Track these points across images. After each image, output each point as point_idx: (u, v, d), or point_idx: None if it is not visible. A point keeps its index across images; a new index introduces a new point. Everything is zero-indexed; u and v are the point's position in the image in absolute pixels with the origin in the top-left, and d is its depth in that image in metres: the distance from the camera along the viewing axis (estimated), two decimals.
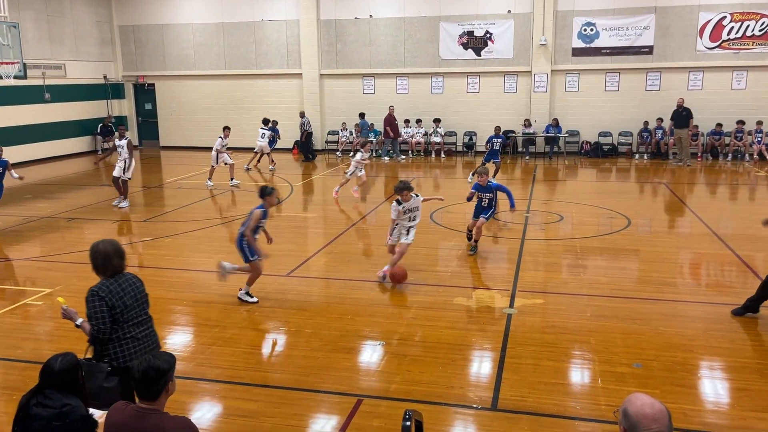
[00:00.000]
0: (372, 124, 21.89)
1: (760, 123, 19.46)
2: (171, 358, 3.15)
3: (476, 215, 9.75)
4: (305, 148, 21.39)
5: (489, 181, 9.76)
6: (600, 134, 21.16)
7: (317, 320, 7.10)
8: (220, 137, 16.44)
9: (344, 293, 8.04)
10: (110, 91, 24.50)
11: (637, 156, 20.58)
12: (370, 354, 6.33)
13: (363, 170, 14.78)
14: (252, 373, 5.93)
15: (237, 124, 24.23)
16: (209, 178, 16.22)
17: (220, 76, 23.94)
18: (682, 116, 18.99)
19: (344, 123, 22.35)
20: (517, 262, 9.25)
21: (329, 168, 19.73)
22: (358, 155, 14.66)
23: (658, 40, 20.17)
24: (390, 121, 21.10)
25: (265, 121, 19.76)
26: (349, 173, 14.53)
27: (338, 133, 22.61)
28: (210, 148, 16.76)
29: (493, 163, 15.77)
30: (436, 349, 6.29)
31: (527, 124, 21.11)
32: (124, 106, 25.25)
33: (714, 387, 5.55)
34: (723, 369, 5.84)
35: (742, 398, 5.28)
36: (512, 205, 9.83)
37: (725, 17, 19.56)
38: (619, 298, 7.80)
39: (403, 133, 22.12)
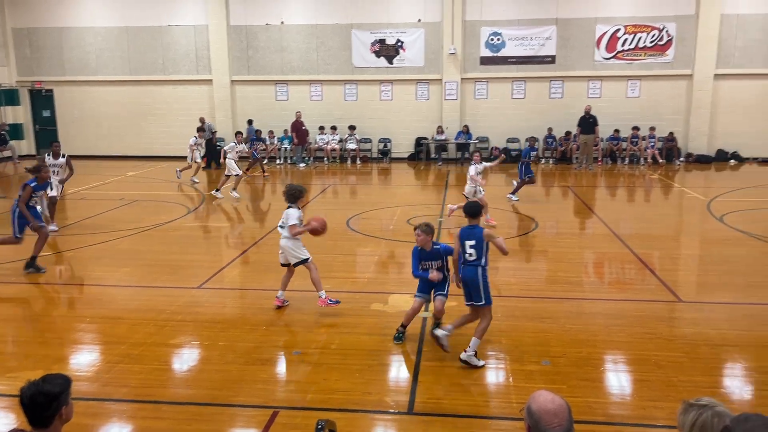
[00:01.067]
0: (258, 130, 21.34)
1: (653, 129, 20.81)
2: (64, 381, 2.96)
3: (425, 291, 6.69)
4: (212, 155, 20.83)
5: (434, 243, 6.62)
6: (508, 140, 21.93)
7: (231, 332, 6.93)
8: (233, 142, 15.94)
9: (259, 304, 7.89)
10: (3, 97, 22.99)
11: (543, 161, 21.46)
12: (287, 364, 6.25)
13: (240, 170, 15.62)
14: (162, 390, 5.70)
15: (145, 131, 23.40)
16: (234, 188, 15.47)
17: (126, 82, 23.00)
18: (589, 122, 20.01)
19: (271, 131, 21.97)
20: None
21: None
22: (230, 146, 15.55)
23: (560, 50, 21.17)
24: (297, 127, 20.98)
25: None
26: (234, 171, 15.32)
27: (265, 141, 22.08)
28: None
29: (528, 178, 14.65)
30: (353, 356, 6.29)
31: (440, 130, 21.57)
32: (19, 113, 23.77)
33: (617, 379, 5.85)
34: (624, 362, 6.17)
35: (642, 389, 5.59)
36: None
37: (620, 29, 20.81)
38: (528, 298, 8.09)
39: (317, 140, 22.07)
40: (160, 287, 8.63)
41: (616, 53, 21.02)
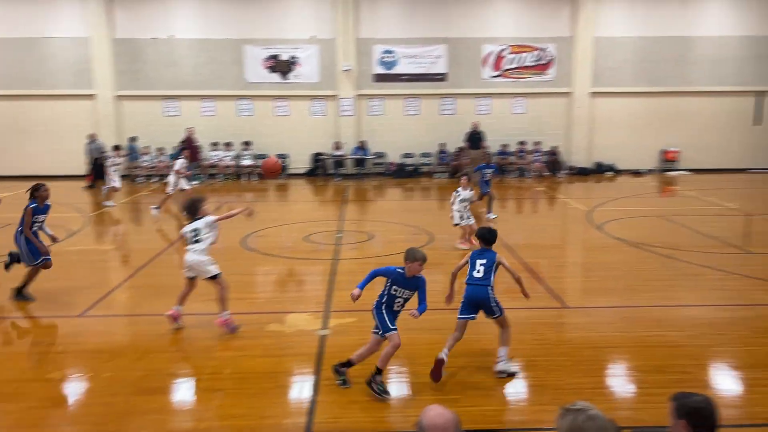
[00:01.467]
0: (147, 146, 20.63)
1: (538, 143, 21.97)
2: None
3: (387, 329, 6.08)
4: (99, 174, 19.75)
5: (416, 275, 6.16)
6: (404, 155, 22.36)
7: (117, 362, 6.54)
8: (181, 158, 15.22)
9: (149, 330, 7.51)
10: None
11: (436, 175, 22.06)
12: (179, 392, 5.97)
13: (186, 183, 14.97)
14: (40, 430, 5.27)
15: (22, 149, 21.81)
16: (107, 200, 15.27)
17: None
18: (476, 138, 20.80)
19: (160, 148, 21.07)
20: (330, 282, 9.36)
21: (131, 195, 18.44)
22: (179, 163, 14.62)
23: (451, 68, 21.92)
24: (189, 143, 20.36)
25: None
26: (170, 188, 14.58)
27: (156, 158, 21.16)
28: None
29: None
30: (248, 380, 6.11)
31: (337, 146, 21.64)
32: None
33: (509, 386, 6.04)
34: (521, 365, 6.40)
35: (533, 394, 5.81)
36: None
37: (505, 49, 21.86)
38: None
39: (211, 156, 21.49)
40: (36, 317, 8.01)
41: (502, 72, 22.06)
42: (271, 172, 7.36)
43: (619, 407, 5.62)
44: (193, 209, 7.31)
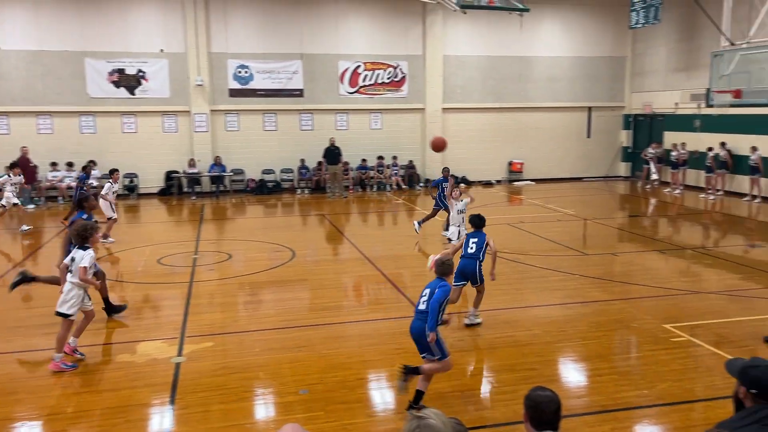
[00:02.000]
0: None
1: (395, 158, 22.62)
2: None
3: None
4: None
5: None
6: (264, 171, 22.02)
7: None
8: (109, 182, 13.83)
9: None
10: None
11: (298, 191, 21.95)
12: None
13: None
14: None
15: None
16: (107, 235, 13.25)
17: None
18: (334, 153, 20.98)
19: None
20: (185, 306, 8.94)
21: None
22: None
23: (307, 84, 21.97)
24: (23, 164, 18.61)
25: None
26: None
27: None
28: None
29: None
30: (93, 417, 5.65)
31: (192, 163, 20.84)
32: None
33: (369, 398, 6.10)
34: (376, 380, 6.48)
35: (399, 403, 5.90)
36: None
37: (360, 66, 22.32)
38: (286, 328, 8.11)
39: (49, 177, 19.79)
40: None
41: (359, 88, 22.48)
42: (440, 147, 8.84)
43: (475, 407, 5.88)
44: (79, 236, 6.87)
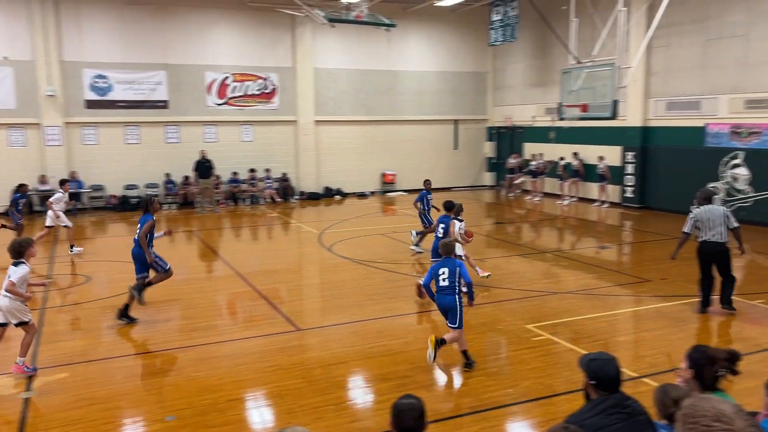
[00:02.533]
0: None
1: (268, 170, 22.28)
2: None
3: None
4: None
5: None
6: (126, 187, 20.83)
7: None
8: (60, 192, 13.74)
9: None
10: None
11: (165, 206, 20.97)
12: None
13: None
14: None
15: None
16: (72, 246, 13.52)
17: None
18: (205, 167, 20.29)
19: None
20: (36, 336, 8.18)
21: None
22: None
23: (173, 95, 21.11)
24: None
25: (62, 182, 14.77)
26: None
27: None
28: None
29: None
30: None
31: (43, 180, 19.26)
32: None
33: (241, 419, 5.90)
34: (249, 399, 6.29)
35: (267, 422, 5.75)
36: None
37: (228, 77, 21.81)
38: (153, 353, 7.68)
39: None
40: None
41: (227, 99, 21.94)
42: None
43: (350, 419, 5.86)
44: (14, 251, 6.80)
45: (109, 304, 9.74)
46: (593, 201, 20.50)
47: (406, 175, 24.94)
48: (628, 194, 19.66)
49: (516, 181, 23.72)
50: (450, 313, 6.83)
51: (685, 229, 8.90)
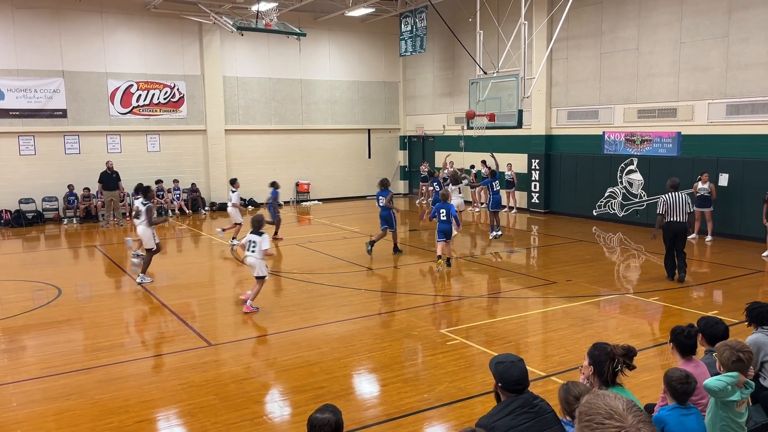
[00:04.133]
0: None
1: (177, 181, 21.56)
2: None
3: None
4: None
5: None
6: (21, 201, 19.55)
7: None
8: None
9: None
10: None
11: (65, 221, 19.85)
12: None
13: None
14: None
15: None
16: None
17: None
18: (112, 178, 19.37)
19: None
20: None
21: None
22: None
23: (71, 104, 20.05)
24: None
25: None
26: None
27: None
28: None
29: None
30: None
31: None
32: None
33: None
34: (159, 420, 6.04)
35: None
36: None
37: (132, 85, 20.96)
38: (51, 376, 7.21)
39: None
40: None
41: (132, 108, 21.08)
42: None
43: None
44: None
45: (2, 326, 9.08)
46: (502, 207, 21.19)
47: (321, 184, 24.86)
48: (534, 200, 20.49)
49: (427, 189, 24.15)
50: (447, 233, 12.06)
51: (660, 211, 10.94)
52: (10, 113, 19.18)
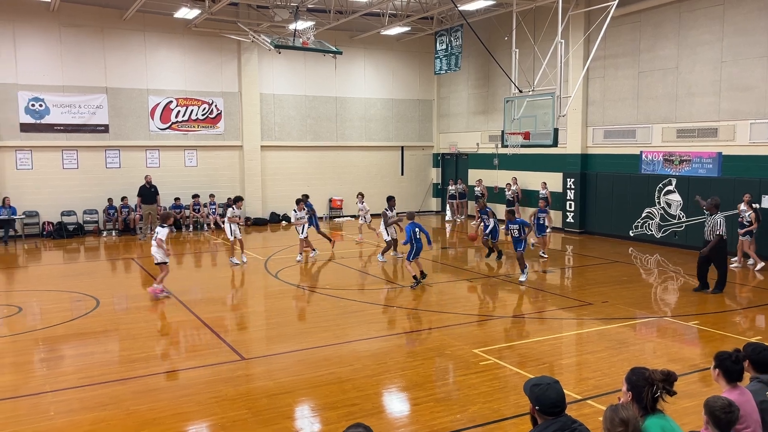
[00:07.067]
0: None
1: (212, 196, 21.89)
2: None
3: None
4: None
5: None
6: (63, 213, 20.08)
7: None
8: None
9: None
10: None
11: (105, 233, 20.31)
12: None
13: None
14: None
15: None
16: None
17: None
18: (151, 192, 19.79)
19: None
20: None
21: None
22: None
23: (113, 119, 20.60)
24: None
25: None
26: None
27: None
28: None
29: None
30: None
31: None
32: None
33: None
34: (197, 429, 6.08)
35: None
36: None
37: (172, 101, 21.45)
38: (89, 386, 7.33)
39: None
40: None
41: (171, 124, 21.56)
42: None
43: None
44: None
45: (42, 336, 9.30)
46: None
47: (354, 200, 24.93)
48: (569, 219, 20.22)
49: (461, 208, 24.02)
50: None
51: (721, 231, 11.31)
52: (55, 128, 19.78)
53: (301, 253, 15.48)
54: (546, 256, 15.72)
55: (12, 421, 6.31)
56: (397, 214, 15.64)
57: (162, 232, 11.52)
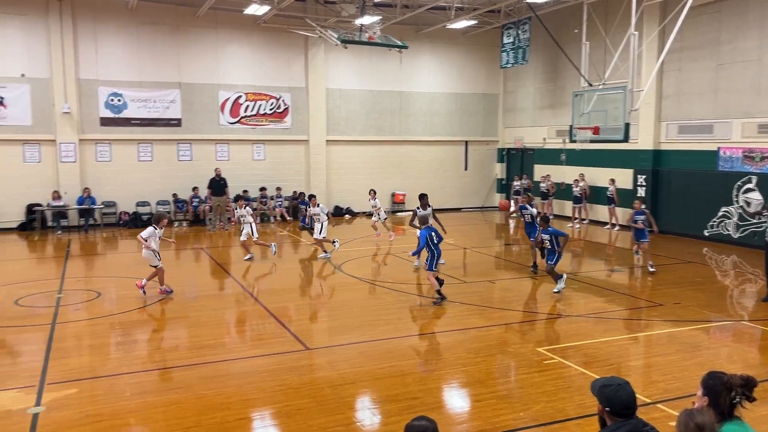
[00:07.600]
0: None
1: (279, 189, 22.35)
2: None
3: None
4: None
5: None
6: (138, 204, 20.96)
7: None
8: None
9: None
10: None
11: (176, 224, 21.07)
12: None
13: None
14: None
15: None
16: None
17: None
18: (220, 184, 20.42)
19: None
20: (47, 351, 8.21)
21: None
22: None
23: (186, 114, 21.31)
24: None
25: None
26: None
27: None
28: None
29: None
30: None
31: (56, 196, 19.43)
32: None
33: None
34: (257, 419, 6.26)
35: None
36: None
37: (241, 96, 22.01)
38: (161, 369, 7.65)
39: None
40: None
41: (240, 118, 22.13)
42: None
43: None
44: None
45: (118, 320, 9.75)
46: (604, 224, 20.40)
47: (416, 195, 24.88)
48: None
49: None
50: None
51: None
52: (132, 122, 20.65)
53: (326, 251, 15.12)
54: (654, 269, 13.23)
55: (90, 400, 6.65)
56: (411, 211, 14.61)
57: (147, 231, 11.12)
